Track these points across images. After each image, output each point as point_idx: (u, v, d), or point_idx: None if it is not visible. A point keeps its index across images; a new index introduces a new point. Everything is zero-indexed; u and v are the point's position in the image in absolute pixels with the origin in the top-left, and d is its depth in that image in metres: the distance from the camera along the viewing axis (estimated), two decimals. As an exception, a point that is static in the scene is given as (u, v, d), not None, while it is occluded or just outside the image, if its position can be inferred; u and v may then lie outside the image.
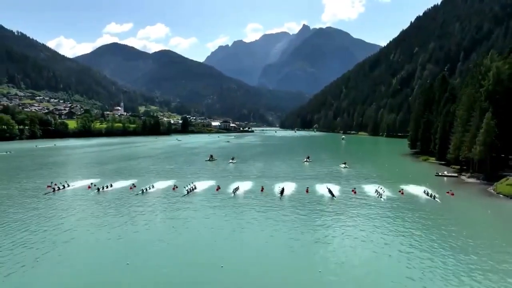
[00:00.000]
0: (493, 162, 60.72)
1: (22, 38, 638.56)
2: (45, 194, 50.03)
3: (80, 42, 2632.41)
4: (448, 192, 48.56)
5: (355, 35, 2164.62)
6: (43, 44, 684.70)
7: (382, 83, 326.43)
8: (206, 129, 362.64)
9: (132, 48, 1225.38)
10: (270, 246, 29.64)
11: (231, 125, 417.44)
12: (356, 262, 26.03)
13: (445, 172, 67.82)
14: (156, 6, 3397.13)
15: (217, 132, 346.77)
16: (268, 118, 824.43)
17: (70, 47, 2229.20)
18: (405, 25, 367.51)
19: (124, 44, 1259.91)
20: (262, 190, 51.86)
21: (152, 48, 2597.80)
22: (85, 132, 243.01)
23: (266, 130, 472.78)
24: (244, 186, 55.89)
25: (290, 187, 54.52)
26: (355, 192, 49.86)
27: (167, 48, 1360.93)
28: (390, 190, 50.68)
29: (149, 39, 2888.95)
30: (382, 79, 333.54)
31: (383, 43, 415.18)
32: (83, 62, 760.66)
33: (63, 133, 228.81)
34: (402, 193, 49.11)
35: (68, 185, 55.29)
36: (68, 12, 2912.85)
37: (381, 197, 45.43)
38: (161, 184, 57.63)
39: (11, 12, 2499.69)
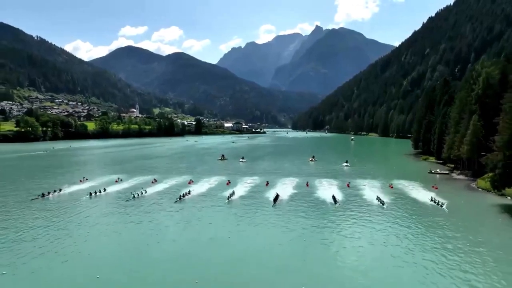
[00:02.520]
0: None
1: (42, 42, 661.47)
2: (32, 199, 48.44)
3: (96, 45, 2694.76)
4: (433, 187, 54.31)
5: (369, 35, 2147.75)
6: (61, 48, 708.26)
7: (393, 84, 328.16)
8: (219, 130, 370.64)
9: (147, 50, 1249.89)
10: (268, 236, 33.46)
11: (243, 126, 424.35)
12: (346, 254, 28.71)
13: (438, 170, 73.12)
14: (171, 9, 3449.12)
15: (230, 133, 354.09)
16: (280, 119, 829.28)
17: (86, 50, 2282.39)
18: (419, 25, 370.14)
19: (138, 47, 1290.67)
20: (267, 185, 58.29)
21: (166, 50, 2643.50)
22: (103, 133, 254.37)
23: (278, 131, 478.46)
24: (251, 181, 62.49)
25: (292, 182, 60.84)
26: (348, 186, 56.02)
27: (180, 51, 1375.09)
28: (381, 185, 56.59)
29: (163, 41, 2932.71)
30: (393, 80, 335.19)
31: (397, 43, 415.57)
32: (99, 65, 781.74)
33: (83, 134, 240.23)
34: (392, 187, 54.96)
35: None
36: (85, 16, 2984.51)
37: (382, 204, 44.03)
38: (177, 179, 64.70)
39: (30, 17, 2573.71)
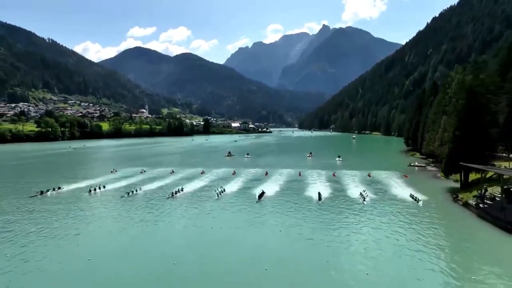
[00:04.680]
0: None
1: (53, 44, 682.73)
2: (31, 196, 50.25)
3: (105, 46, 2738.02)
4: (404, 175, 65.09)
5: (376, 34, 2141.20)
6: (71, 50, 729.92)
7: (396, 85, 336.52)
8: (227, 130, 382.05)
9: (155, 51, 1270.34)
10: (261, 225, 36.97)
11: (250, 126, 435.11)
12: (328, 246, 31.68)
13: (416, 163, 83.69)
14: (179, 10, 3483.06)
15: (237, 133, 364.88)
16: (287, 119, 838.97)
17: (96, 51, 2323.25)
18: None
19: (147, 48, 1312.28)
20: (266, 175, 69.27)
21: (174, 51, 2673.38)
22: (116, 133, 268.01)
23: (284, 131, 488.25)
24: (253, 172, 73.65)
25: (288, 172, 71.79)
26: (334, 175, 66.83)
27: (188, 51, 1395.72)
28: (362, 174, 67.39)
29: (171, 42, 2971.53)
30: (396, 81, 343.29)
31: (405, 42, 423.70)
32: (108, 66, 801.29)
33: (98, 134, 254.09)
34: (370, 176, 65.66)
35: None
36: (94, 17, 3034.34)
37: (364, 200, 46.12)
38: (191, 171, 76.01)
39: (41, 19, 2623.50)
